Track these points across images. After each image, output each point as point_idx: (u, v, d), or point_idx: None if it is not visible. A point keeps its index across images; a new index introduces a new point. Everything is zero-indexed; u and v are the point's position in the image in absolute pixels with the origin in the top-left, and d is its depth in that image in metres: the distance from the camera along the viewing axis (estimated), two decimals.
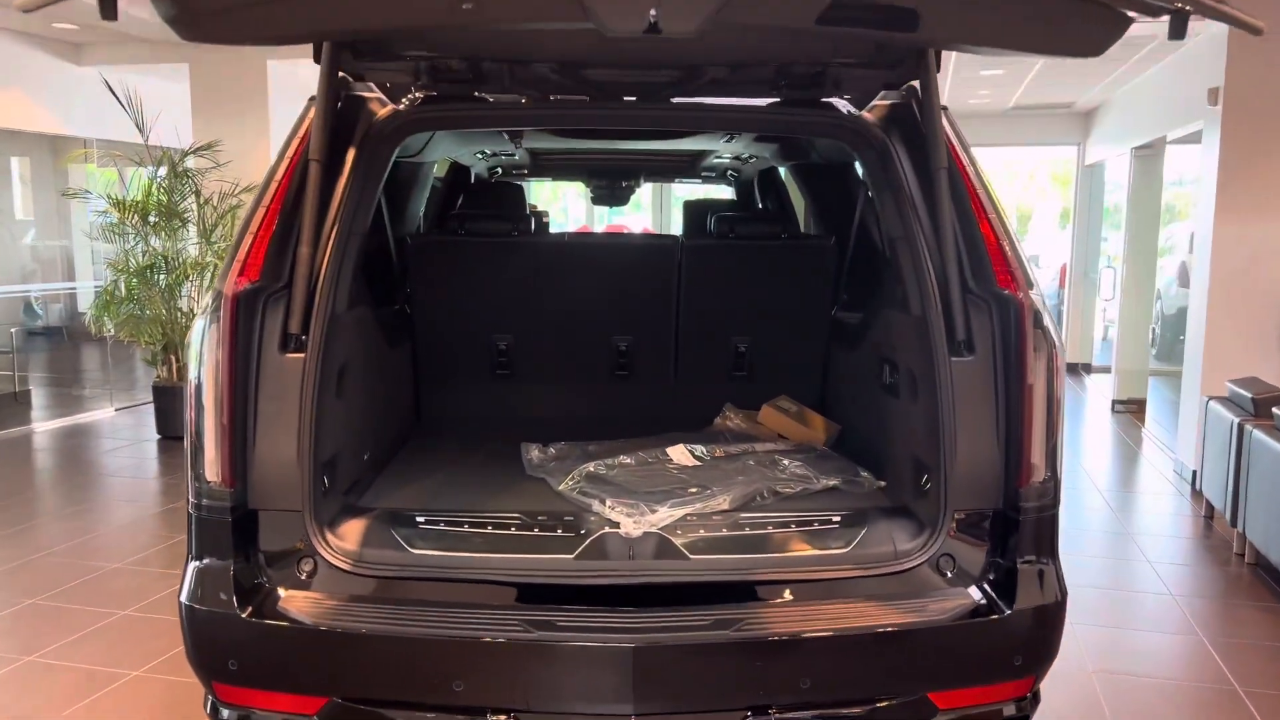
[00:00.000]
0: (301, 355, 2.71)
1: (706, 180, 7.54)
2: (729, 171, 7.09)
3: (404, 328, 4.32)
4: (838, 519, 2.94)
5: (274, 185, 2.86)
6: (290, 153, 2.90)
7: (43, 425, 10.23)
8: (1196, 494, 7.51)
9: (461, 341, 4.42)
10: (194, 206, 9.60)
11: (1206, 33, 8.04)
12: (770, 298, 4.42)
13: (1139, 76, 11.25)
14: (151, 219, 9.40)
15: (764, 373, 4.57)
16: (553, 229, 7.78)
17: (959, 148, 2.96)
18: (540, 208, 7.36)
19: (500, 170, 7.16)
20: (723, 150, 5.76)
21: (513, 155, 6.37)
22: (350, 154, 2.99)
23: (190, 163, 9.59)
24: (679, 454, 3.49)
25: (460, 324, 4.39)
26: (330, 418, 2.84)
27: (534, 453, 3.66)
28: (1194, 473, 7.72)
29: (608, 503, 2.94)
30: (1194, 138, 8.77)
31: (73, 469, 8.79)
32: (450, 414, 4.47)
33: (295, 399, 2.67)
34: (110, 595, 5.46)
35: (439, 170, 5.88)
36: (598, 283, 4.38)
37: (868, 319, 3.86)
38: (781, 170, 6.64)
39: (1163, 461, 9.02)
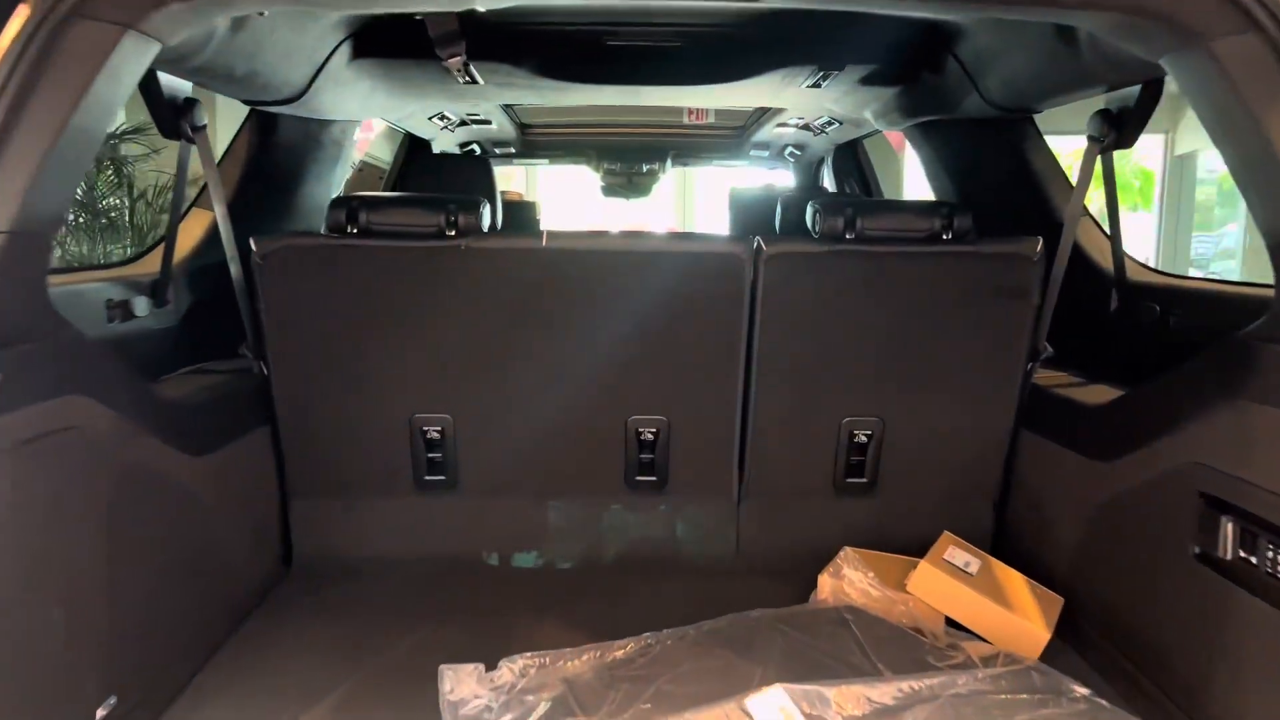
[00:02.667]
0: None
1: (755, 162, 5.71)
2: (788, 149, 5.25)
3: (255, 401, 2.51)
4: None
5: None
6: None
7: None
8: None
9: (359, 426, 2.60)
10: (124, 203, 7.84)
11: None
12: (914, 345, 2.57)
13: None
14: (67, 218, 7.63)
15: (900, 480, 2.74)
16: (553, 227, 5.88)
17: None
18: (525, 196, 5.51)
19: (480, 149, 5.37)
20: (799, 108, 3.93)
21: (488, 123, 4.55)
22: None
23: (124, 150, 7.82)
24: (770, 714, 1.65)
25: (358, 395, 2.57)
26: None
27: (463, 685, 1.84)
28: None
29: None
30: None
31: None
32: (342, 556, 2.65)
33: None
34: None
35: (380, 151, 4.06)
36: (604, 322, 2.54)
37: (1148, 400, 2.08)
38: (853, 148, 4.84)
39: None
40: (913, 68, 2.92)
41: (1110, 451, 2.18)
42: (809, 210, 2.54)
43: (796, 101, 3.64)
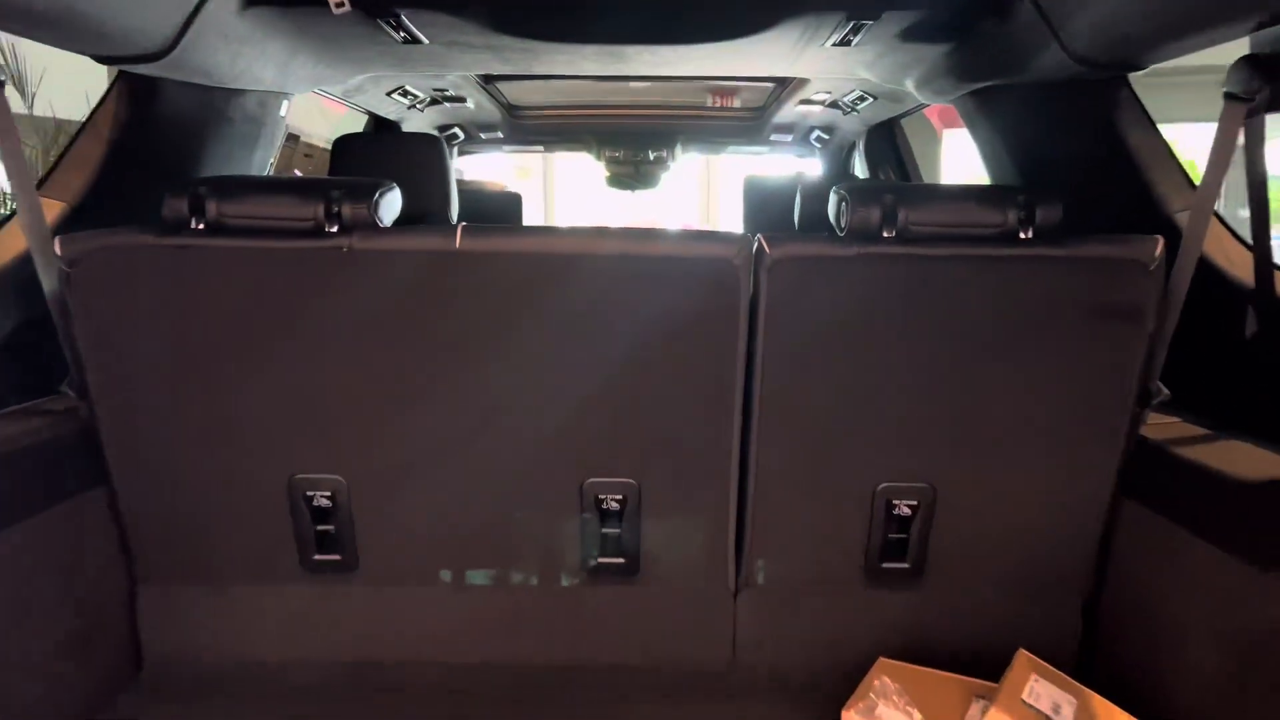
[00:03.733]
0: None
1: (778, 149, 5.02)
2: (815, 132, 4.56)
3: (82, 454, 1.87)
4: None
5: None
6: None
7: None
8: None
9: (223, 489, 1.93)
10: None
11: None
12: (977, 384, 1.85)
13: None
14: None
15: (954, 565, 2.03)
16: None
17: None
18: (499, 183, 4.84)
19: (464, 135, 4.72)
20: (823, 77, 3.23)
21: (463, 101, 3.90)
22: None
23: None
24: None
25: (217, 449, 1.89)
26: None
27: None
28: None
29: None
30: None
31: None
32: (206, 659, 2.00)
33: None
34: None
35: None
36: (548, 351, 1.84)
37: None
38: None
39: None
40: (971, 15, 2.22)
41: (1272, 552, 1.49)
42: (832, 198, 1.86)
43: (820, 67, 2.94)
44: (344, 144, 2.94)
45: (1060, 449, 1.92)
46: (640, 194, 5.42)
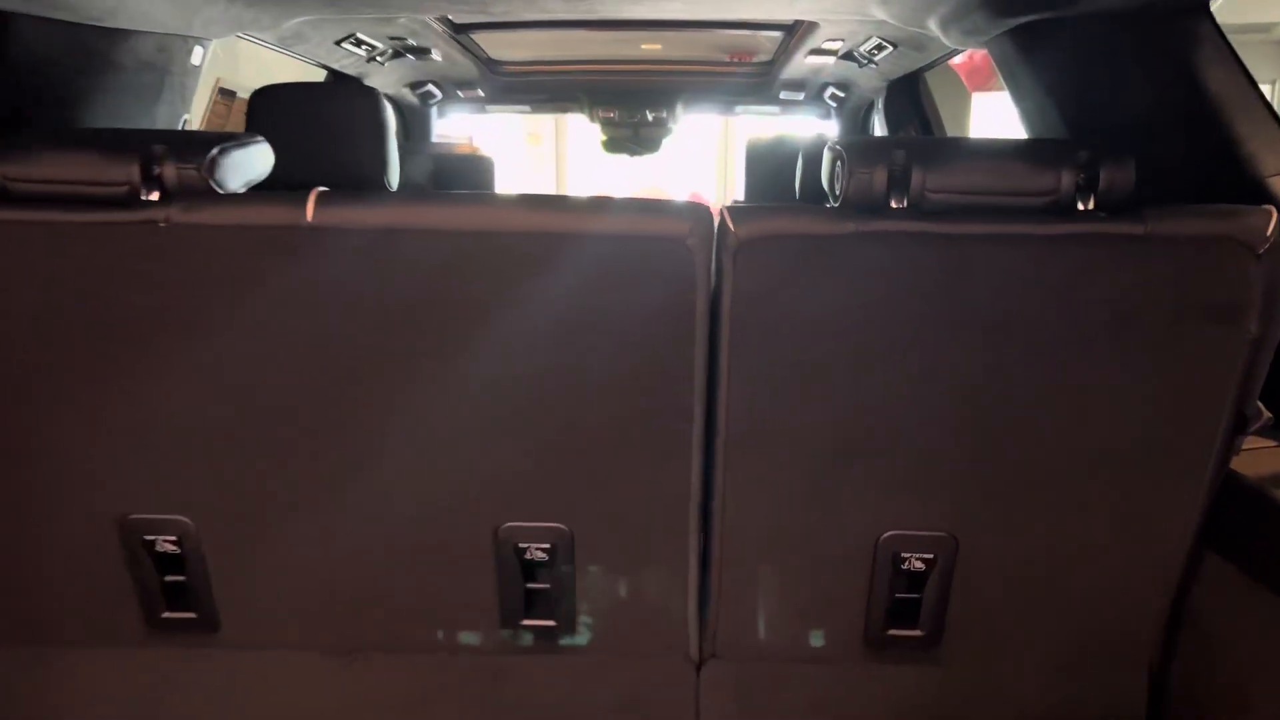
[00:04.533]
0: None
1: (789, 109, 4.55)
2: (829, 89, 4.07)
3: None
4: None
5: None
6: None
7: None
8: None
9: (40, 530, 1.50)
10: None
11: None
12: (1016, 404, 1.39)
13: None
14: None
15: (981, 634, 1.57)
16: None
17: None
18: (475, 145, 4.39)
19: (440, 93, 4.28)
20: (835, 20, 2.75)
21: (427, 53, 3.45)
22: None
23: None
24: None
25: (25, 480, 1.47)
26: None
27: None
28: None
29: None
30: None
31: None
32: None
33: None
34: None
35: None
36: (445, 361, 1.39)
37: None
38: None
39: None
40: None
41: None
42: (826, 156, 1.40)
43: (830, 8, 2.47)
44: (263, 97, 2.51)
45: (1125, 488, 1.46)
46: (649, 161, 5.01)
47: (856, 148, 1.34)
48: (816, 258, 1.34)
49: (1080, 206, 1.31)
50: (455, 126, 5.28)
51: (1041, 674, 1.60)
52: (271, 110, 2.50)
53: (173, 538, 1.50)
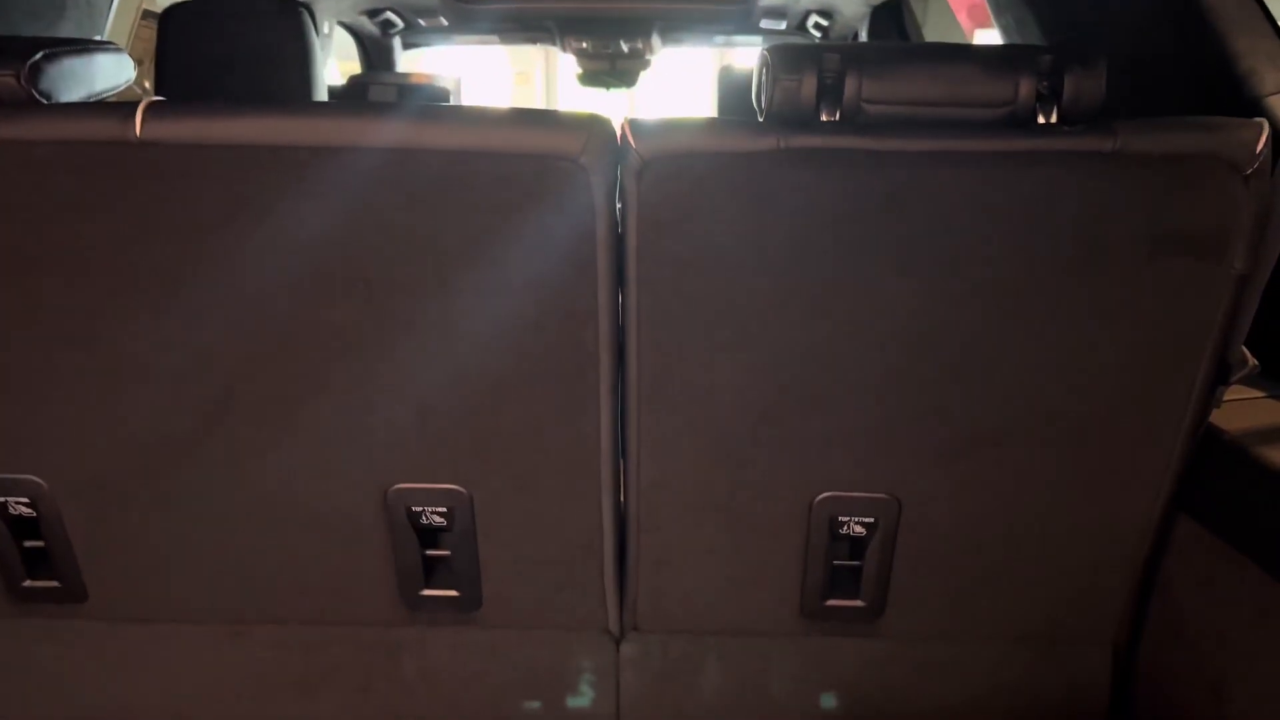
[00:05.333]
0: None
1: (771, 38, 4.30)
2: (811, 18, 3.84)
3: None
4: None
5: None
6: None
7: None
8: None
9: None
10: None
11: None
12: (970, 350, 1.23)
13: None
14: None
15: (929, 603, 1.42)
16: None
17: None
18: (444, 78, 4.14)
19: (403, 22, 4.05)
20: None
21: None
22: None
23: None
24: None
25: None
26: None
27: None
28: None
29: None
30: None
31: None
32: None
33: None
34: None
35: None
36: (318, 302, 1.23)
37: None
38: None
39: None
40: None
41: None
42: (756, 66, 1.21)
43: None
44: (174, 15, 2.30)
45: (1090, 444, 1.30)
46: (647, 103, 4.77)
47: (783, 52, 1.15)
48: (734, 179, 1.16)
49: (1041, 119, 1.13)
50: (444, 67, 5.04)
51: (995, 648, 1.45)
52: (185, 30, 2.30)
53: (24, 499, 1.34)
